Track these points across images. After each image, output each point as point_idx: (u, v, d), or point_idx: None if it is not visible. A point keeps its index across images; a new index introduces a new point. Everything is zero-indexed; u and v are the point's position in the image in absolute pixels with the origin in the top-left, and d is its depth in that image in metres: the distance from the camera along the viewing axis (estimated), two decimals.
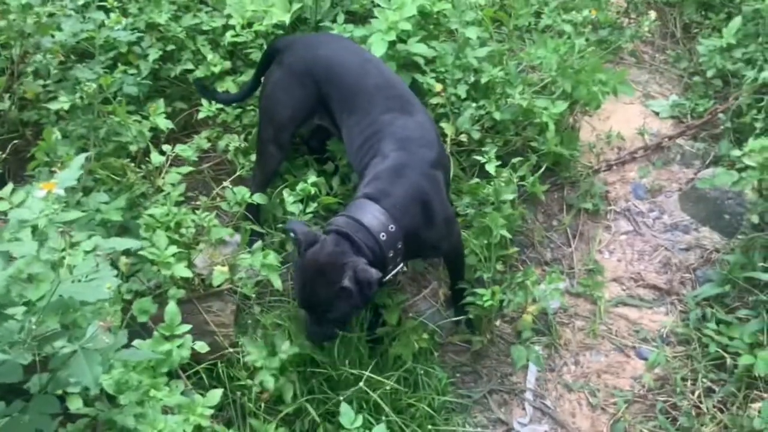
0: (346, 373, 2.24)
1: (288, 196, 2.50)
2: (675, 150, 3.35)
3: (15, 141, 2.61)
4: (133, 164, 2.52)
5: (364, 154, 2.43)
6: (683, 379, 2.64)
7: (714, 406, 2.53)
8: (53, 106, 2.56)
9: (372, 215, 2.20)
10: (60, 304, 1.24)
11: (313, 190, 2.52)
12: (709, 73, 3.42)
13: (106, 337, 1.32)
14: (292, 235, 2.24)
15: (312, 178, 2.58)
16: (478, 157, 2.68)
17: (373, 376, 2.20)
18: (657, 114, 3.53)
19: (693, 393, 2.60)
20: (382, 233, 2.18)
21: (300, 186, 2.50)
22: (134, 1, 2.90)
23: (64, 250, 1.26)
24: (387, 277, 2.25)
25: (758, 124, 3.12)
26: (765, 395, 2.47)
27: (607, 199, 3.20)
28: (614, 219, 3.17)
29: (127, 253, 2.46)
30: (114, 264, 1.56)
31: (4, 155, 2.44)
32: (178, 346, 2.04)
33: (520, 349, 2.51)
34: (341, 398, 2.24)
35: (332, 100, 2.53)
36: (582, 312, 2.88)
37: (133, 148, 2.63)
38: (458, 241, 2.56)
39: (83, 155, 1.50)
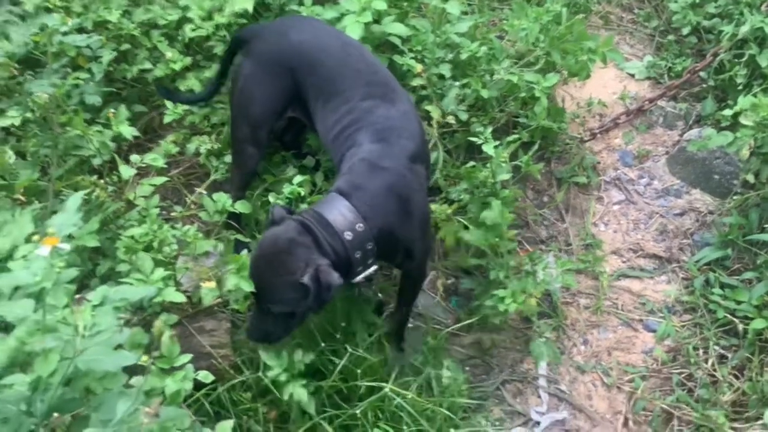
0: (362, 385, 2.09)
1: (275, 200, 2.32)
2: (657, 112, 3.27)
3: None
4: (101, 180, 2.29)
5: (341, 143, 2.24)
6: (695, 349, 2.59)
7: (729, 373, 2.49)
8: (2, 122, 2.30)
9: (338, 212, 2.00)
10: (75, 375, 1.06)
11: (301, 191, 2.34)
12: (685, 30, 3.34)
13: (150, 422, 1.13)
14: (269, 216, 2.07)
15: (297, 177, 2.39)
16: (473, 139, 2.54)
17: (396, 389, 2.06)
18: (633, 76, 3.45)
19: (707, 362, 2.55)
20: (348, 232, 1.98)
21: (287, 189, 2.32)
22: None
23: (66, 306, 1.07)
24: (356, 279, 2.08)
25: (739, 80, 3.06)
26: None
27: (596, 170, 3.11)
28: (605, 189, 3.08)
29: (105, 278, 2.27)
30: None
31: None
32: (181, 379, 1.85)
33: (539, 344, 2.41)
34: (357, 411, 2.10)
35: (308, 88, 2.32)
36: (585, 289, 2.79)
37: (96, 161, 2.39)
38: (428, 250, 2.36)
39: (80, 194, 1.29)
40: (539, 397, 2.53)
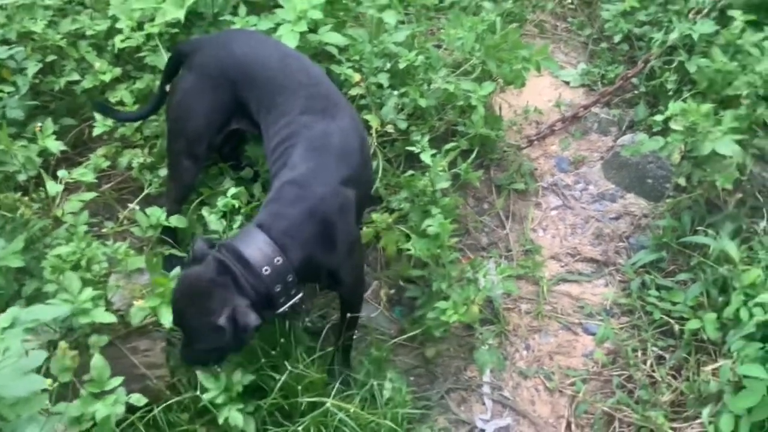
0: (304, 402, 2.05)
1: (209, 215, 2.26)
2: (591, 119, 3.34)
3: None
4: (26, 197, 2.20)
5: (276, 158, 2.19)
6: (634, 350, 2.62)
7: (667, 374, 2.53)
8: None
9: (256, 247, 1.95)
10: None
11: (236, 203, 2.29)
12: (616, 38, 3.43)
13: None
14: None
15: (231, 189, 2.34)
16: (411, 148, 2.54)
17: (339, 403, 2.03)
18: (568, 84, 3.51)
19: (645, 363, 2.59)
20: (266, 267, 1.94)
21: (221, 201, 2.27)
22: (0, 9, 2.52)
23: None
24: (280, 310, 2.03)
25: (669, 86, 3.14)
26: (714, 358, 2.48)
27: (534, 176, 3.14)
28: (543, 195, 3.12)
29: (31, 299, 2.17)
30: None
31: None
32: (112, 404, 1.78)
33: (483, 352, 2.41)
34: (299, 428, 2.06)
35: (251, 101, 2.28)
36: (526, 294, 2.81)
37: (21, 177, 2.30)
38: (359, 273, 2.30)
39: None
40: (483, 404, 2.53)
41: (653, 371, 2.55)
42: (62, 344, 1.21)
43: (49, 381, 1.10)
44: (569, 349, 2.70)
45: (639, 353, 2.62)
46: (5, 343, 1.05)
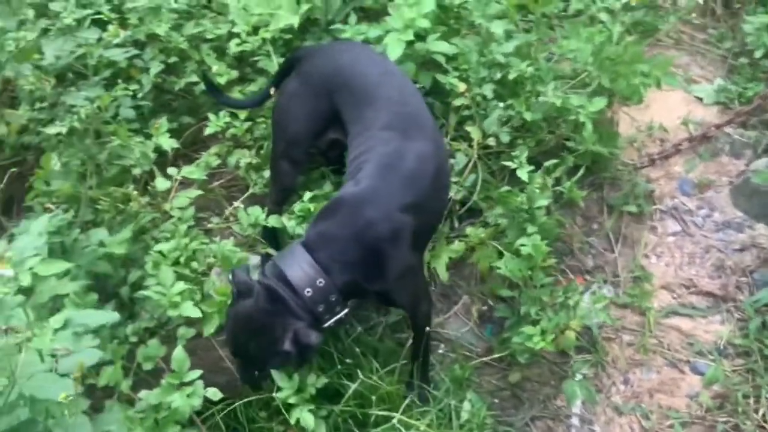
0: (375, 414, 2.04)
1: (288, 221, 2.30)
2: (723, 140, 3.08)
3: (12, 169, 2.46)
4: (136, 191, 2.34)
5: (352, 170, 2.18)
6: (745, 397, 2.40)
7: None
8: (50, 130, 2.39)
9: (299, 268, 1.96)
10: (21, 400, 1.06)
11: (312, 207, 2.31)
12: (758, 54, 3.14)
13: None
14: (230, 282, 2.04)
15: (307, 194, 2.36)
16: (508, 163, 2.45)
17: (406, 419, 2.00)
18: (701, 100, 3.26)
19: (757, 412, 2.36)
20: (308, 289, 1.94)
21: (297, 206, 2.30)
22: (134, 12, 2.70)
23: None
24: (326, 325, 2.02)
25: None
26: None
27: (652, 198, 2.95)
28: (660, 219, 2.91)
29: (135, 287, 2.30)
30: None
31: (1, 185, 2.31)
32: (188, 395, 1.86)
33: (573, 384, 2.30)
34: None
35: (344, 111, 2.30)
36: (629, 325, 2.64)
37: (137, 171, 2.45)
38: (418, 294, 2.21)
39: (46, 216, 1.32)
40: None
41: (765, 421, 2.32)
42: (81, 362, 1.25)
43: (63, 396, 1.13)
44: (672, 387, 2.51)
45: (751, 400, 2.40)
46: (55, 343, 1.12)
